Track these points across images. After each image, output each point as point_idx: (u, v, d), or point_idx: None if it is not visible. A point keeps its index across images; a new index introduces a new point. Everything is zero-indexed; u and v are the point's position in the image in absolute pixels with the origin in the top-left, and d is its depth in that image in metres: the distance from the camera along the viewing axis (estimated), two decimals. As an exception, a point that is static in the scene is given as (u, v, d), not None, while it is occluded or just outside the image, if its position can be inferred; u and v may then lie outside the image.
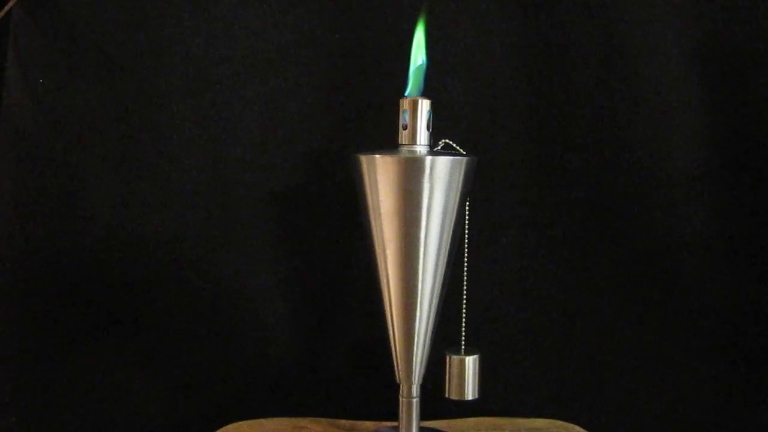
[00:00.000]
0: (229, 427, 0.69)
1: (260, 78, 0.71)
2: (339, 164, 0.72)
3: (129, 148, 0.70)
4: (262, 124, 0.72)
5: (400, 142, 0.61)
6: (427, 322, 0.60)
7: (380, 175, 0.58)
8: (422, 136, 0.60)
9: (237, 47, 0.70)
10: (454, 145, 0.63)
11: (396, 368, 0.61)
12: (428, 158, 0.58)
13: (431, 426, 0.68)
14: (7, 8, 0.68)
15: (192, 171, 0.71)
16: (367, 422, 0.70)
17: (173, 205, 0.71)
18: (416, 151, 0.60)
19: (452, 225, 0.60)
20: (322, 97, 0.72)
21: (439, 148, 0.62)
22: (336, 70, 0.72)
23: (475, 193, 0.63)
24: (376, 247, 0.59)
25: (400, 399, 0.62)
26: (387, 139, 0.63)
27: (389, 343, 0.61)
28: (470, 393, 0.63)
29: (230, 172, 0.72)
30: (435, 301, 0.60)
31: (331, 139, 0.72)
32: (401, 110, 0.60)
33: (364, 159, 0.59)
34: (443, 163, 0.58)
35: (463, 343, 0.65)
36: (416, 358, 0.60)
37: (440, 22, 0.71)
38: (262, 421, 0.70)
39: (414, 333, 0.60)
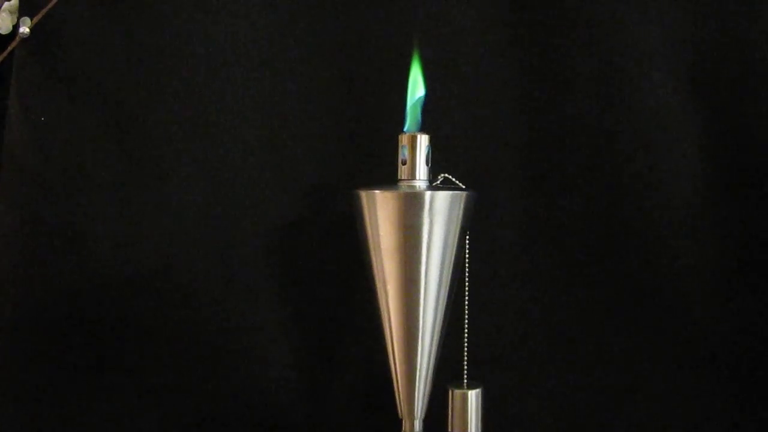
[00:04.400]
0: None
1: (260, 114, 0.72)
2: (338, 199, 0.72)
3: (129, 185, 0.71)
4: (262, 160, 0.72)
5: (399, 177, 0.62)
6: (429, 357, 0.60)
7: (380, 210, 0.59)
8: (421, 171, 0.61)
9: (237, 83, 0.71)
10: (454, 179, 0.64)
11: (398, 404, 0.61)
12: (428, 193, 0.59)
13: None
14: (9, 49, 0.69)
15: (192, 207, 0.71)
16: (369, 460, 0.71)
17: (174, 242, 0.71)
18: (416, 185, 0.61)
19: (452, 259, 0.60)
20: (322, 133, 0.73)
21: (439, 182, 0.64)
22: (336, 107, 0.72)
23: (475, 227, 0.63)
24: (377, 283, 0.60)
25: (403, 435, 0.62)
26: (386, 175, 0.64)
27: (391, 379, 0.61)
28: (473, 428, 0.63)
29: (230, 209, 0.72)
30: (437, 336, 0.60)
31: (330, 174, 0.72)
32: (400, 146, 0.61)
33: (363, 194, 0.60)
34: (443, 197, 0.59)
35: (465, 376, 0.65)
36: (418, 393, 0.60)
37: (437, 56, 0.71)
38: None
39: (416, 368, 0.60)
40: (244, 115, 0.71)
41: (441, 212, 0.59)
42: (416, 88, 0.63)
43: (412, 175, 0.61)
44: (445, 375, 0.64)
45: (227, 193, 0.72)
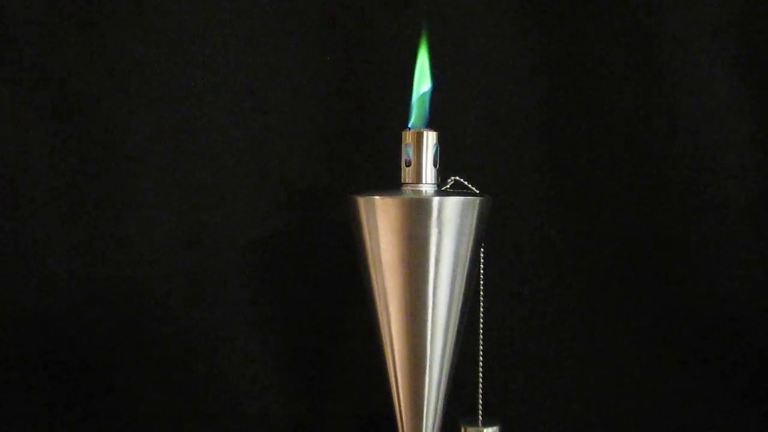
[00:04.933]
0: None
1: (238, 105, 0.71)
2: (332, 207, 0.71)
3: (88, 194, 0.70)
4: (240, 161, 0.71)
5: (403, 181, 0.60)
6: (438, 391, 0.59)
7: (380, 219, 0.57)
8: (428, 173, 0.60)
9: (211, 78, 0.70)
10: (466, 182, 0.62)
11: (403, 444, 0.60)
12: (436, 199, 0.57)
13: None
14: None
15: (160, 217, 0.70)
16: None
17: (144, 259, 0.70)
18: (422, 190, 0.59)
19: (465, 276, 0.59)
20: (312, 128, 0.71)
21: (448, 186, 0.62)
22: (328, 97, 0.71)
23: (490, 239, 0.63)
24: (377, 303, 0.58)
25: (408, 480, 0.61)
26: (388, 178, 0.63)
27: (394, 415, 0.59)
28: (490, 472, 0.63)
29: (207, 220, 0.71)
30: (447, 364, 0.59)
31: (322, 177, 0.71)
32: (403, 144, 0.60)
33: (361, 201, 0.58)
34: (453, 204, 0.58)
35: (480, 412, 0.64)
36: (426, 431, 0.59)
37: (447, 42, 0.70)
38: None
39: (423, 402, 0.58)
40: (222, 111, 0.71)
41: (451, 221, 0.57)
42: (423, 78, 0.62)
43: (418, 178, 0.60)
44: (457, 408, 0.64)
45: (203, 202, 0.71)
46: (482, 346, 0.64)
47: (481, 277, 0.63)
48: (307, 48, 0.71)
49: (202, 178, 0.71)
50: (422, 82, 0.61)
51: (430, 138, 0.59)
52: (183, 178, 0.71)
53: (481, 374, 0.64)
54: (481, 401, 0.64)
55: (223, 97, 0.71)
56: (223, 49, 0.70)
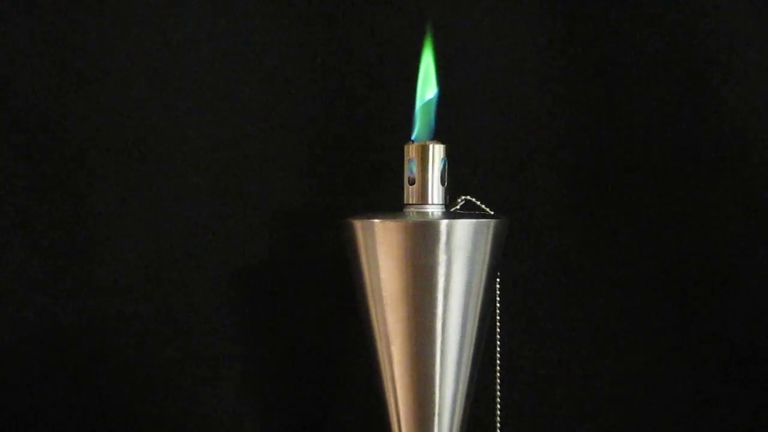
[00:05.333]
0: None
1: (213, 113, 0.69)
2: (324, 232, 0.68)
3: (43, 219, 0.68)
4: (216, 179, 0.69)
5: (405, 202, 0.57)
6: None
7: (381, 245, 0.55)
8: (435, 192, 0.57)
9: (189, 86, 0.68)
10: (478, 202, 0.59)
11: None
12: (444, 222, 0.55)
13: None
14: None
15: (129, 247, 0.68)
16: None
17: (103, 292, 0.68)
18: (427, 212, 0.57)
19: (478, 311, 0.56)
20: (300, 140, 0.69)
21: (458, 207, 0.59)
22: (318, 105, 0.69)
23: (508, 266, 0.61)
24: (377, 342, 0.56)
25: None
26: (388, 198, 0.61)
27: None
28: None
29: (175, 246, 0.68)
30: (459, 412, 0.56)
31: (312, 198, 0.69)
32: (406, 159, 0.57)
33: (358, 225, 0.56)
34: (464, 227, 0.55)
35: None
36: None
37: (455, 42, 0.67)
38: None
39: None
40: (193, 120, 0.69)
41: (462, 247, 0.55)
42: (427, 83, 0.60)
43: (423, 199, 0.57)
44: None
45: (174, 229, 0.69)
46: (499, 393, 0.62)
47: (498, 312, 0.60)
48: (294, 48, 0.69)
49: (172, 201, 0.69)
50: (427, 87, 0.60)
51: (437, 152, 0.57)
52: (150, 202, 0.69)
53: (498, 423, 0.62)
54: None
55: (194, 104, 0.69)
56: (195, 48, 0.69)
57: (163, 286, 0.69)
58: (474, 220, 0.56)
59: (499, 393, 0.62)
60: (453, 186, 0.58)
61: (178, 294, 0.69)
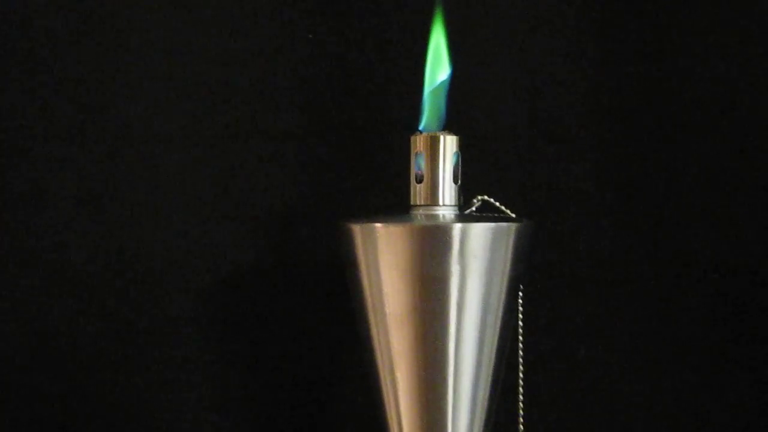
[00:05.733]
0: None
1: (203, 108, 0.66)
2: (317, 238, 0.66)
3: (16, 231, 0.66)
4: (194, 176, 0.66)
5: (412, 203, 0.54)
6: None
7: (384, 253, 0.51)
8: (447, 191, 0.53)
9: (161, 73, 0.66)
10: (497, 203, 0.56)
11: None
12: (457, 226, 0.51)
13: None
14: None
15: (93, 258, 0.66)
16: None
17: (62, 307, 0.66)
18: (438, 215, 0.53)
19: (498, 329, 0.52)
20: (292, 135, 0.66)
21: (474, 209, 0.56)
22: (314, 94, 0.66)
23: (532, 278, 0.60)
24: (380, 367, 0.53)
25: None
26: (392, 198, 0.60)
27: None
28: None
29: (148, 255, 0.66)
30: None
31: (304, 198, 0.66)
32: (413, 153, 0.54)
33: (357, 229, 0.53)
34: (481, 232, 0.52)
35: None
36: None
37: (470, 15, 0.64)
38: None
39: None
40: (186, 115, 0.66)
41: (479, 255, 0.51)
42: (438, 64, 0.56)
43: (433, 199, 0.53)
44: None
45: (143, 226, 0.66)
46: (522, 422, 0.59)
47: (520, 331, 0.58)
48: (279, 26, 0.67)
49: (142, 201, 0.66)
50: (438, 69, 0.56)
51: (449, 144, 0.53)
52: (113, 208, 0.67)
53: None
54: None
55: (182, 96, 0.67)
56: (178, 34, 0.67)
57: (132, 300, 0.66)
58: (492, 224, 0.52)
59: (521, 425, 0.59)
60: (468, 184, 0.55)
61: (160, 300, 0.66)
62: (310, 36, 0.66)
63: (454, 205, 0.54)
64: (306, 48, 0.67)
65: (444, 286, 0.51)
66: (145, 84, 0.67)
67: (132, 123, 0.68)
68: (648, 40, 0.67)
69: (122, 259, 0.67)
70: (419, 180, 0.53)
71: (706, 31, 0.67)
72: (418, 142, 0.54)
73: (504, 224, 0.53)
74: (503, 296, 0.53)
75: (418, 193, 0.54)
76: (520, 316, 0.58)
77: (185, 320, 0.67)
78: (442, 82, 0.56)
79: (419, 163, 0.53)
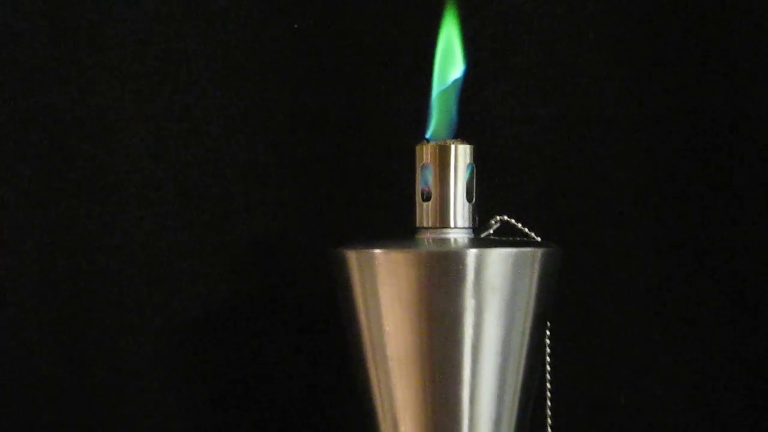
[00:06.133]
0: None
1: (174, 121, 0.62)
2: (307, 268, 0.61)
3: None
4: (166, 194, 0.62)
5: (418, 225, 0.50)
6: None
7: (384, 285, 0.47)
8: (459, 210, 0.50)
9: (134, 85, 0.62)
10: (519, 225, 0.52)
11: None
12: (471, 252, 0.47)
13: None
14: None
15: (48, 299, 0.63)
16: None
17: (18, 349, 0.62)
18: (449, 239, 0.49)
19: (521, 375, 0.48)
20: (276, 145, 0.62)
21: (492, 232, 0.52)
22: (306, 96, 0.62)
23: (561, 314, 0.54)
24: (380, 420, 0.49)
25: None
26: (395, 219, 0.54)
27: None
28: None
29: (118, 288, 0.62)
30: None
31: (292, 221, 0.62)
32: (418, 165, 0.50)
33: (353, 257, 0.49)
34: (500, 259, 0.48)
35: None
36: None
37: (490, 1, 0.61)
38: None
39: None
40: (162, 125, 0.62)
41: (498, 287, 0.47)
42: (449, 60, 0.52)
43: (443, 220, 0.49)
44: None
45: (121, 262, 0.62)
46: None
47: (548, 377, 0.53)
48: (271, 20, 0.63)
49: (116, 231, 0.63)
50: (449, 66, 0.52)
51: (461, 154, 0.50)
52: (82, 239, 0.63)
53: None
54: None
55: (156, 104, 0.63)
56: (169, 47, 0.63)
57: (101, 338, 0.63)
58: (513, 250, 0.49)
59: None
60: (484, 202, 0.51)
61: (129, 338, 0.63)
62: (296, 26, 0.63)
63: (468, 228, 0.50)
64: (291, 38, 0.63)
65: (456, 324, 0.47)
66: (134, 90, 0.64)
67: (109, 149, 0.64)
68: (680, 45, 0.63)
69: (91, 293, 0.63)
70: (426, 198, 0.50)
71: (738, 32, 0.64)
72: (425, 153, 0.50)
73: (527, 249, 0.49)
74: (527, 336, 0.49)
75: (424, 213, 0.50)
76: (548, 360, 0.53)
77: (158, 359, 0.64)
78: (454, 82, 0.52)
79: (426, 178, 0.50)
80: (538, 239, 0.52)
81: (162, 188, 0.65)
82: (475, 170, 0.50)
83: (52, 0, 0.66)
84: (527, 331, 0.49)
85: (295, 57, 0.64)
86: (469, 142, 0.50)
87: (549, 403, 0.54)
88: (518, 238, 0.52)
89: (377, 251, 0.48)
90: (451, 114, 0.52)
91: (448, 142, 0.50)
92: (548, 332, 0.52)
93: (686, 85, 0.64)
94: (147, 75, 0.65)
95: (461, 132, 0.52)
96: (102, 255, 0.65)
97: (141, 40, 0.65)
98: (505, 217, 0.53)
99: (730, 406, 0.65)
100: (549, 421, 0.55)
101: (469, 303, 0.47)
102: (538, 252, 0.49)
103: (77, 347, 0.66)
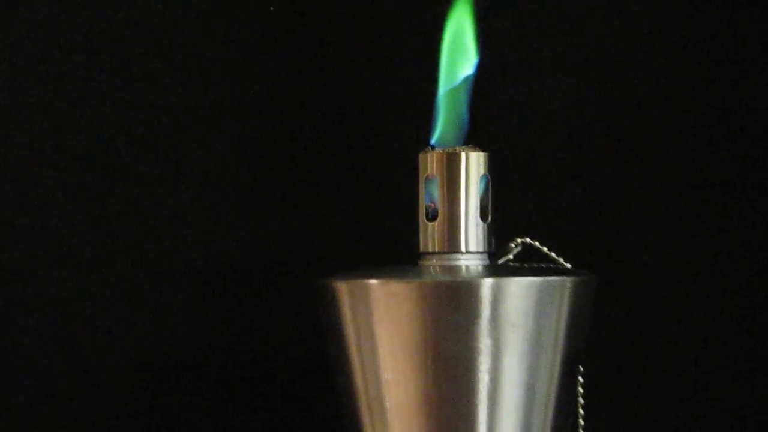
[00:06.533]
0: None
1: (165, 143, 0.58)
2: (293, 300, 0.56)
3: None
4: (141, 221, 0.58)
5: (423, 249, 0.45)
6: None
7: (382, 322, 0.43)
8: (471, 232, 0.45)
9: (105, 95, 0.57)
10: (544, 249, 0.47)
11: None
12: (487, 282, 0.42)
13: None
14: None
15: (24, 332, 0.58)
16: None
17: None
18: (459, 266, 0.44)
19: (549, 430, 0.44)
20: (259, 157, 0.59)
21: (511, 257, 0.47)
22: (289, 99, 0.58)
23: (594, 352, 0.49)
24: None
25: None
26: (394, 244, 0.52)
27: None
28: None
29: (81, 317, 0.57)
30: None
31: (276, 246, 0.58)
32: (422, 177, 0.45)
33: (344, 288, 0.43)
34: (522, 290, 0.43)
35: None
36: None
37: None
38: None
39: None
40: (139, 142, 0.57)
41: (519, 324, 0.43)
42: (459, 53, 0.48)
43: (452, 244, 0.45)
44: None
45: (91, 293, 0.57)
46: None
47: (581, 423, 0.48)
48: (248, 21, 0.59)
49: (110, 238, 0.59)
50: (459, 60, 0.48)
51: (473, 164, 0.45)
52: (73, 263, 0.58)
53: None
54: None
55: (136, 119, 0.58)
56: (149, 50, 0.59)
57: (71, 378, 0.57)
58: (538, 279, 0.44)
59: None
60: (501, 221, 0.47)
61: (99, 372, 0.58)
62: (272, 8, 0.59)
63: (483, 252, 0.45)
64: (277, 52, 0.60)
65: (469, 368, 0.42)
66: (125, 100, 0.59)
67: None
68: (720, 52, 0.59)
69: (82, 323, 0.58)
70: (432, 217, 0.45)
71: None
72: (430, 162, 0.45)
73: (555, 278, 0.44)
74: (555, 383, 0.43)
75: (430, 235, 0.45)
76: (581, 411, 0.48)
77: (128, 401, 0.58)
78: (464, 80, 0.47)
79: (432, 192, 0.45)
80: (568, 265, 0.48)
81: (142, 215, 0.61)
82: (490, 183, 0.46)
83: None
84: (555, 377, 0.44)
85: (285, 62, 0.60)
86: (482, 149, 0.46)
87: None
88: (543, 265, 0.48)
89: (373, 282, 0.43)
90: (460, 116, 0.48)
91: (458, 149, 0.45)
92: (581, 378, 0.48)
93: (725, 96, 0.60)
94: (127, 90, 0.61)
95: (473, 137, 0.47)
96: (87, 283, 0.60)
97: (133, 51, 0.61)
98: (528, 240, 0.48)
99: None
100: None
101: (484, 344, 0.43)
102: (568, 281, 0.45)
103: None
